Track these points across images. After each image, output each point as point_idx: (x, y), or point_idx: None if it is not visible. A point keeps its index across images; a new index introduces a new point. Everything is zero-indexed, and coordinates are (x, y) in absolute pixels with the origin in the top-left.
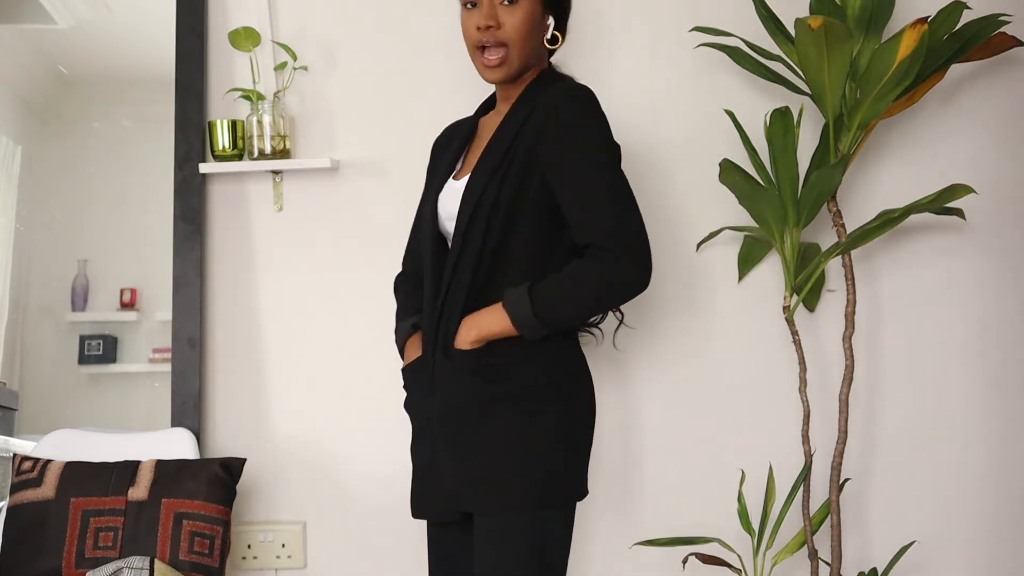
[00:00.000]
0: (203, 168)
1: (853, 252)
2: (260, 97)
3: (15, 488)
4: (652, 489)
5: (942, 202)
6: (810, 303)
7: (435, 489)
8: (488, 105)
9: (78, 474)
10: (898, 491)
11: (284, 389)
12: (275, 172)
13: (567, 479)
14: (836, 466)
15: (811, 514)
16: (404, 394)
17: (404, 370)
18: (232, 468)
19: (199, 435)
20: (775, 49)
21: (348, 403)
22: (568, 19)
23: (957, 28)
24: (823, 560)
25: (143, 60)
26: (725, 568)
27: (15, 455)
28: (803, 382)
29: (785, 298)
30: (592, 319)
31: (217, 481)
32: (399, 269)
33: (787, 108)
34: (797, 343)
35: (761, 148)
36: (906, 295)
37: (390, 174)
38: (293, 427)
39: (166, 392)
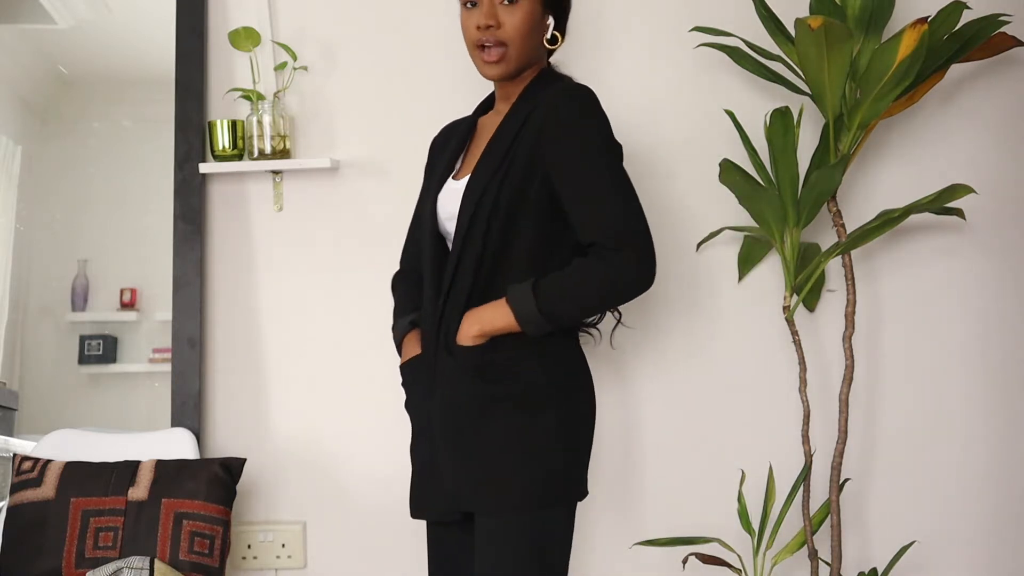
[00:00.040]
0: (203, 168)
1: (853, 252)
2: (260, 97)
3: (15, 488)
4: (652, 489)
5: (942, 202)
6: (810, 303)
7: (435, 489)
8: (486, 105)
9: (78, 474)
10: (898, 491)
11: (284, 389)
12: (275, 172)
13: (567, 479)
14: (836, 466)
15: (811, 514)
16: (404, 394)
17: (403, 368)
18: (232, 468)
19: (199, 435)
20: (775, 49)
21: (348, 403)
22: (568, 19)
23: (957, 28)
24: (823, 560)
25: (143, 60)
26: (725, 568)
27: (15, 455)
28: (803, 382)
29: (785, 298)
30: (591, 319)
31: (217, 481)
32: (398, 268)
33: (787, 108)
34: (797, 343)
35: (761, 148)
36: (906, 295)
37: (390, 174)
38: (293, 427)
39: (166, 392)
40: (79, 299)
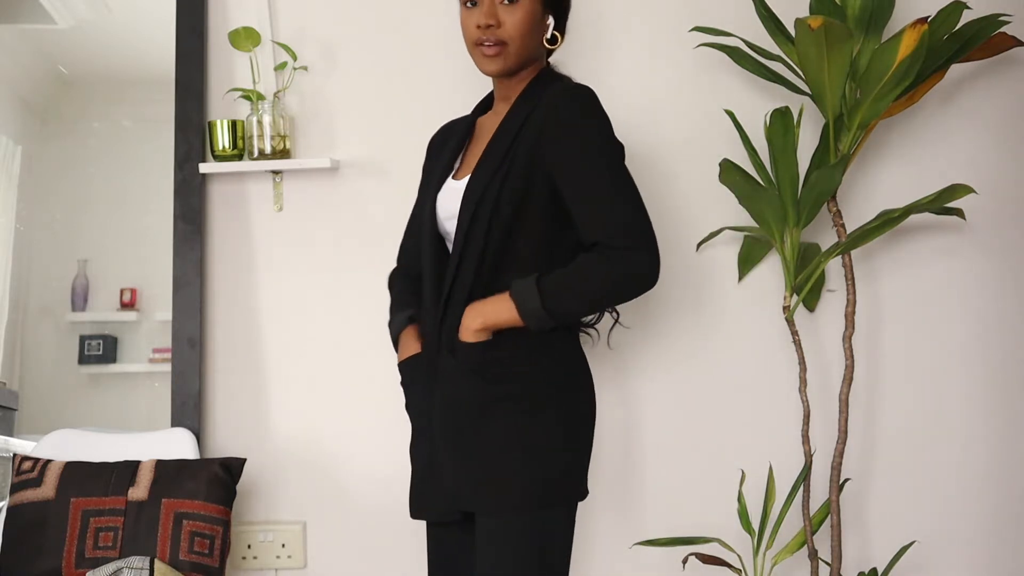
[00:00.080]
0: (203, 168)
1: (853, 252)
2: (260, 97)
3: (15, 488)
4: (652, 489)
5: (942, 202)
6: (810, 303)
7: (434, 489)
8: (485, 105)
9: (78, 474)
10: (898, 491)
11: (284, 389)
12: (275, 172)
13: (568, 479)
14: (836, 466)
15: (811, 514)
16: (404, 394)
17: (402, 367)
18: (232, 468)
19: (199, 435)
20: (775, 49)
21: (348, 403)
22: (568, 19)
23: (957, 28)
24: (823, 560)
25: (143, 60)
26: (725, 568)
27: (15, 455)
28: (803, 382)
29: (785, 298)
30: (589, 319)
31: (217, 481)
32: (395, 266)
33: (787, 108)
34: (797, 343)
35: (761, 148)
36: (906, 295)
37: (390, 174)
38: (293, 427)
39: (166, 392)
40: (79, 299)
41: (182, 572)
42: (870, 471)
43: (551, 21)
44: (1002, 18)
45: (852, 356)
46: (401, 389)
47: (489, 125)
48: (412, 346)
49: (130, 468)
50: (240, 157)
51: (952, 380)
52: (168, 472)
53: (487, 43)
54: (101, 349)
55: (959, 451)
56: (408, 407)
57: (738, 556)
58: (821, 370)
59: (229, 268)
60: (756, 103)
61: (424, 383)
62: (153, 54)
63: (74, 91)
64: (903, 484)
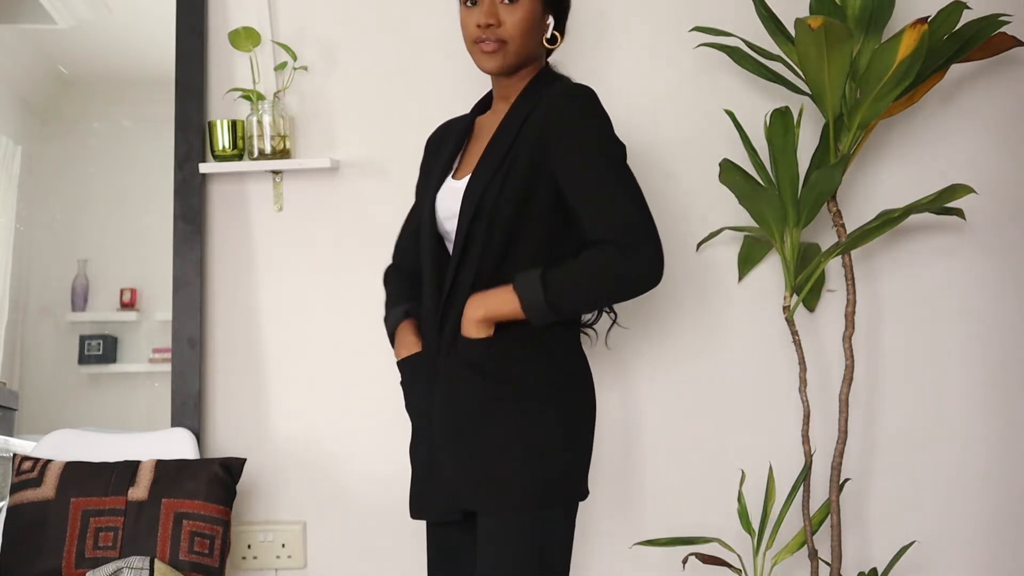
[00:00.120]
0: (203, 168)
1: (853, 252)
2: (260, 97)
3: (15, 488)
4: (652, 489)
5: (942, 202)
6: (810, 303)
7: (435, 490)
8: (483, 104)
9: (78, 474)
10: (898, 491)
11: (284, 389)
12: (275, 172)
13: (568, 479)
14: (836, 466)
15: (811, 514)
16: (404, 393)
17: (401, 366)
18: (232, 468)
19: (199, 435)
20: (775, 49)
21: (348, 403)
22: (567, 19)
23: (957, 28)
24: (823, 560)
25: (143, 60)
26: (725, 568)
27: (15, 455)
28: (803, 382)
29: (785, 298)
30: (587, 318)
31: (217, 481)
32: (390, 263)
33: (787, 108)
34: (797, 343)
35: (761, 148)
36: (906, 295)
37: (390, 174)
38: (293, 427)
39: (166, 392)
40: (79, 299)
41: (182, 572)
42: (870, 471)
43: (551, 21)
44: (1002, 18)
45: (852, 356)
46: (399, 385)
47: (488, 125)
48: (409, 340)
49: (130, 468)
50: (240, 157)
51: (952, 380)
52: (168, 472)
53: (486, 41)
54: (101, 349)
55: (959, 451)
56: (408, 407)
57: (738, 556)
58: (821, 370)
59: (229, 268)
60: (756, 103)
61: (424, 383)
62: (153, 54)
63: (74, 91)
64: (903, 484)
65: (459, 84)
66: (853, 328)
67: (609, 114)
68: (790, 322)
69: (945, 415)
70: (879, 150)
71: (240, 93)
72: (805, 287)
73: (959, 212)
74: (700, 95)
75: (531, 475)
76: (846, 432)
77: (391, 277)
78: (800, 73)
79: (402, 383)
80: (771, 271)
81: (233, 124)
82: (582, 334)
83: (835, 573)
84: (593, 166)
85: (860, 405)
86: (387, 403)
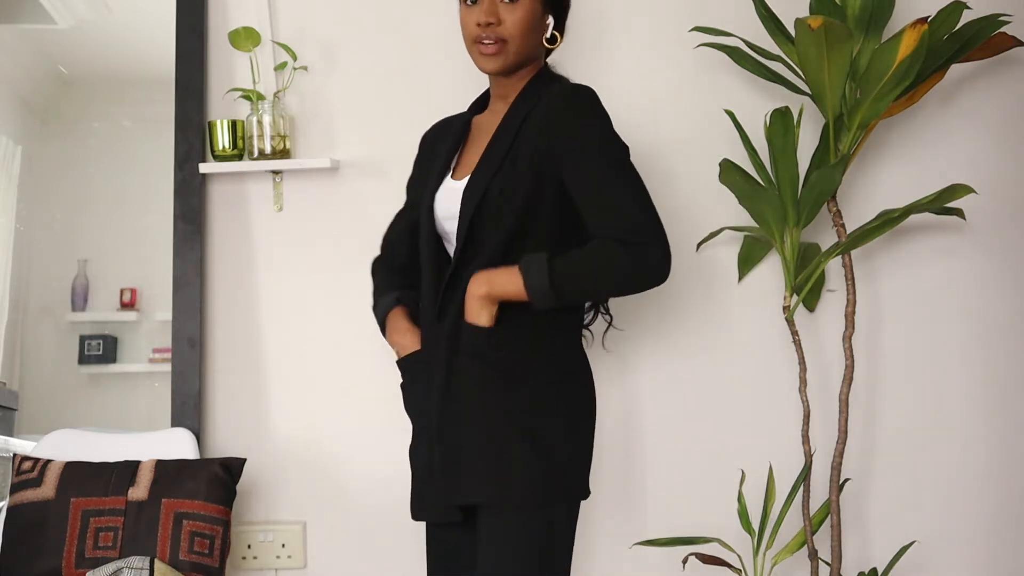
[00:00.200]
0: (203, 168)
1: (853, 252)
2: (260, 97)
3: (15, 488)
4: (652, 489)
5: (942, 202)
6: (810, 303)
7: (435, 490)
8: (480, 104)
9: (78, 474)
10: (898, 491)
11: (284, 389)
12: (275, 172)
13: (569, 477)
14: (836, 466)
15: (811, 514)
16: (403, 393)
17: (402, 365)
18: (232, 468)
19: (199, 435)
20: (775, 49)
21: (348, 403)
22: (567, 19)
23: (957, 28)
24: (823, 560)
25: (143, 60)
26: (725, 568)
27: (15, 455)
28: (803, 382)
29: (785, 298)
30: (586, 319)
31: (217, 481)
32: (378, 255)
33: (787, 108)
34: (797, 343)
35: (761, 148)
36: (906, 295)
37: (390, 174)
38: (293, 427)
39: (166, 392)
40: (79, 299)
41: (182, 572)
42: (870, 471)
43: (551, 20)
44: (1002, 18)
45: (852, 356)
46: (399, 385)
47: (486, 124)
48: (402, 326)
49: (130, 468)
50: (240, 157)
51: (952, 380)
52: (168, 472)
53: (486, 41)
54: (101, 349)
55: (959, 451)
56: (408, 407)
57: (738, 556)
58: (821, 370)
59: (229, 268)
60: (756, 103)
61: (424, 383)
62: (153, 54)
63: (74, 91)
64: (903, 484)
65: (459, 84)
66: (853, 328)
67: (609, 114)
68: (790, 322)
69: (945, 415)
70: (879, 150)
71: (240, 93)
72: (805, 287)
73: (959, 212)
74: (700, 95)
75: (531, 473)
76: (846, 432)
77: (378, 268)
78: (800, 73)
79: (402, 384)
80: (771, 271)
81: (233, 124)
82: None
83: (835, 573)
84: (596, 165)
85: (860, 405)
86: (387, 403)
